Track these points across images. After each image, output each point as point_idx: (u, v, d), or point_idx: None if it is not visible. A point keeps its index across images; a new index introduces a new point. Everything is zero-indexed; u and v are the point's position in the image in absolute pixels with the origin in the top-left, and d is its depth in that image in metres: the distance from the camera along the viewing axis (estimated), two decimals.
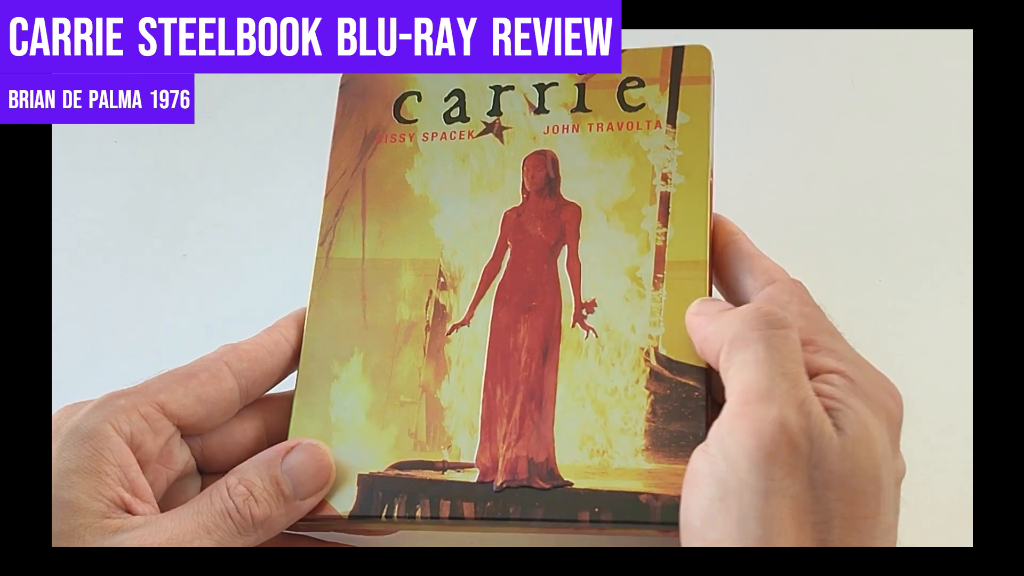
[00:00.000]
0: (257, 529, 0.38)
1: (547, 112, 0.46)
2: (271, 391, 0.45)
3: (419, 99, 0.47)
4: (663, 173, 0.44)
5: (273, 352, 0.43)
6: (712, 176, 0.44)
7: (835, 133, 0.60)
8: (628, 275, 0.43)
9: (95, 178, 0.63)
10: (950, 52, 0.60)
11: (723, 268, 0.43)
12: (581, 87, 0.46)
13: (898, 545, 0.35)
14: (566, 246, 0.44)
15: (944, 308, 0.53)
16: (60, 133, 0.61)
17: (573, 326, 0.42)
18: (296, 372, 0.44)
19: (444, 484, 0.40)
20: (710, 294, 0.42)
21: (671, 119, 0.44)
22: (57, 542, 0.36)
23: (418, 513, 0.40)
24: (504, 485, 0.40)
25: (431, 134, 0.46)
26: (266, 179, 0.62)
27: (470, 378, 0.42)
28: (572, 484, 0.39)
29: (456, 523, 0.40)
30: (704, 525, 0.34)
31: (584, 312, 0.42)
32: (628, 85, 0.45)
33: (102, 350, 0.58)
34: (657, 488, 0.39)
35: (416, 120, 0.47)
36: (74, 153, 0.63)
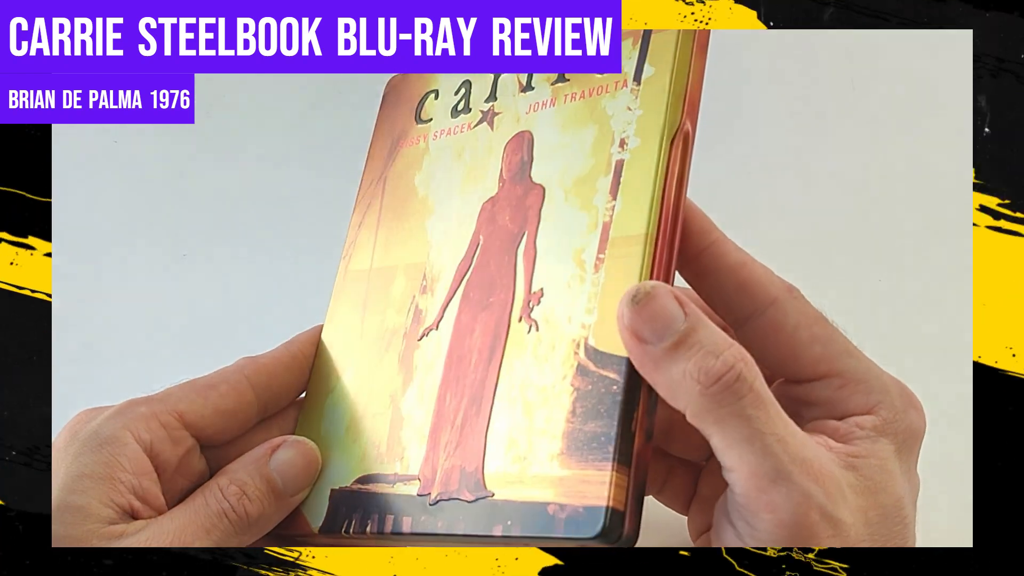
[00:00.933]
0: (252, 527, 0.38)
1: (532, 89, 0.43)
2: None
3: (436, 96, 0.46)
4: (621, 138, 0.38)
5: (291, 367, 0.43)
6: (683, 137, 0.37)
7: (835, 133, 0.60)
8: (574, 259, 0.37)
9: (95, 178, 0.63)
10: (950, 52, 0.60)
11: (703, 279, 0.38)
12: None
13: (899, 546, 0.35)
14: (526, 233, 0.39)
15: (944, 308, 0.53)
16: (60, 133, 0.61)
17: (520, 321, 0.38)
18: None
19: (390, 498, 0.38)
20: (654, 274, 0.35)
21: (637, 75, 0.39)
22: (66, 546, 0.36)
23: (368, 528, 0.38)
24: (438, 498, 0.37)
25: (440, 132, 0.45)
26: (266, 179, 0.62)
27: (429, 385, 0.40)
28: (494, 495, 0.36)
29: (397, 539, 0.38)
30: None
31: (531, 304, 0.38)
32: None
33: (102, 350, 0.58)
34: (564, 498, 0.34)
35: (431, 120, 0.46)
36: (74, 153, 0.63)
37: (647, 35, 0.39)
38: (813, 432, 0.35)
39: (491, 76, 0.45)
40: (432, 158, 0.45)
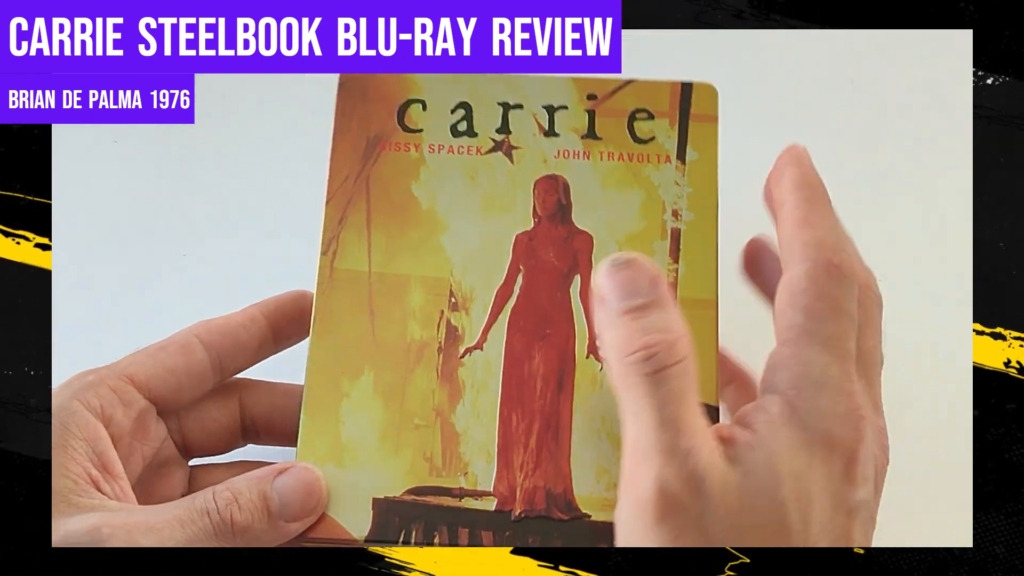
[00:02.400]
0: (236, 536, 0.38)
1: (557, 136, 0.45)
2: (251, 376, 0.45)
3: (424, 108, 0.46)
4: (674, 209, 0.44)
5: (247, 326, 0.43)
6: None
7: (835, 133, 0.60)
8: None
9: (95, 178, 0.63)
10: (950, 52, 0.60)
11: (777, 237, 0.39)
12: (591, 113, 0.45)
13: (900, 546, 0.35)
14: (579, 275, 0.44)
15: (944, 308, 0.53)
16: (60, 133, 0.61)
17: (587, 357, 0.42)
18: (302, 387, 0.43)
19: (461, 512, 0.41)
20: (717, 334, 0.41)
21: (680, 155, 0.45)
22: (65, 546, 0.36)
23: (436, 540, 0.40)
24: (523, 515, 0.40)
25: (438, 146, 0.46)
26: (266, 179, 0.62)
27: (485, 404, 0.42)
28: (590, 516, 0.40)
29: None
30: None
31: (598, 344, 0.42)
32: (638, 116, 0.45)
33: (102, 350, 0.58)
34: None
35: (422, 130, 0.46)
36: (74, 153, 0.63)
37: (684, 120, 0.45)
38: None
39: (496, 105, 0.46)
40: (431, 171, 0.45)
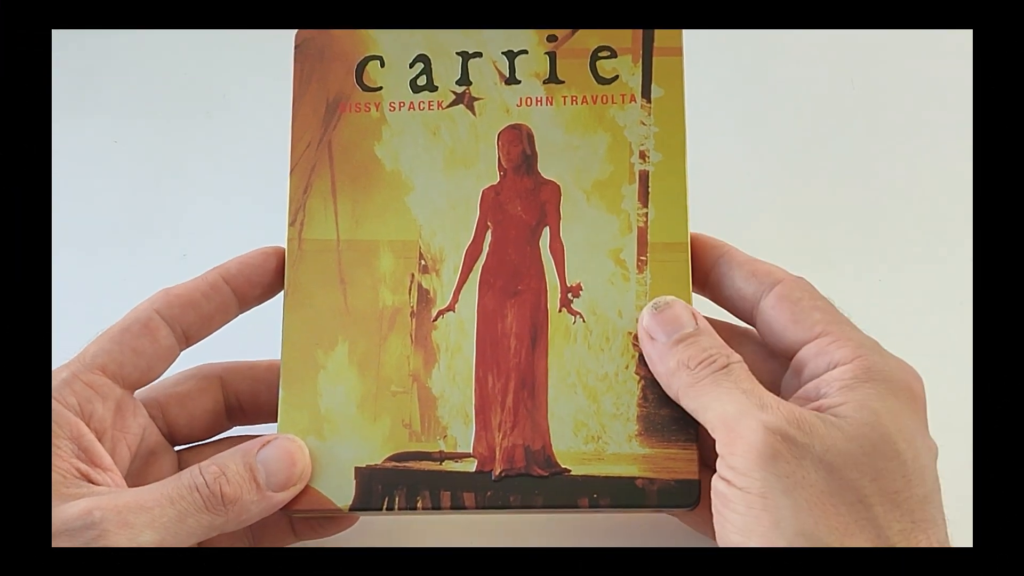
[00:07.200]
0: (227, 509, 0.38)
1: (519, 83, 0.45)
2: (236, 359, 0.45)
3: (382, 64, 0.46)
4: (640, 150, 0.43)
5: (209, 295, 0.43)
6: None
7: (835, 133, 0.60)
8: (611, 258, 0.43)
9: (95, 178, 0.63)
10: (950, 52, 0.60)
11: (719, 283, 0.42)
12: (552, 55, 0.45)
13: (899, 546, 0.35)
14: (547, 227, 0.43)
15: (944, 308, 0.53)
16: (60, 133, 0.61)
17: (560, 311, 0.42)
18: (280, 361, 0.43)
19: (443, 475, 0.41)
20: (693, 276, 0.42)
21: (645, 93, 0.44)
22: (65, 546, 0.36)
23: (419, 504, 0.41)
24: (503, 474, 0.41)
25: (398, 104, 0.45)
26: (266, 179, 0.62)
27: (460, 366, 0.42)
28: (570, 471, 0.40)
29: (457, 512, 0.41)
30: (745, 538, 0.35)
31: (570, 296, 0.42)
32: (600, 55, 0.44)
33: None
34: (652, 473, 0.40)
35: (381, 88, 0.45)
36: (74, 152, 0.63)
37: (647, 55, 0.44)
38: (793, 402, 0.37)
39: (454, 55, 0.45)
40: (394, 130, 0.45)
